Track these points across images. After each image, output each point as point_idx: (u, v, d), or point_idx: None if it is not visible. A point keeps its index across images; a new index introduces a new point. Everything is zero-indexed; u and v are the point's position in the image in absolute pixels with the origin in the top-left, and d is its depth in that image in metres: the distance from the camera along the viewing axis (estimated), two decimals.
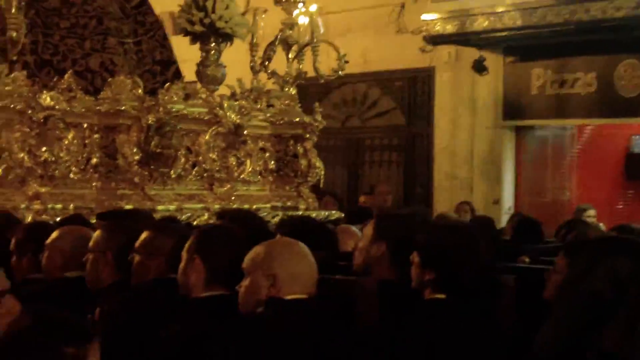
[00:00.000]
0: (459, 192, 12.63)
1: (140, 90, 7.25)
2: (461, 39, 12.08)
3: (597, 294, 2.79)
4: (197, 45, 7.93)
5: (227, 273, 3.70)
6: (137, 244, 4.16)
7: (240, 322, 3.51)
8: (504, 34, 11.53)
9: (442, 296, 3.66)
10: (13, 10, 6.52)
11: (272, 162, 8.15)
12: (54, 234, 4.68)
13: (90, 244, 4.40)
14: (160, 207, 7.11)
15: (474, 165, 12.78)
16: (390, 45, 13.26)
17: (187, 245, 3.83)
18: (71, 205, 6.88)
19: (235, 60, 8.47)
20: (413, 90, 13.42)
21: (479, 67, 12.02)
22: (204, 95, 7.67)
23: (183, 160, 7.37)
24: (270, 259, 3.46)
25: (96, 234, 4.44)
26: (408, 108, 13.49)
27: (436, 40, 12.25)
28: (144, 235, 4.17)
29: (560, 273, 4.14)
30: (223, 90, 8.31)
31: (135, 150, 7.11)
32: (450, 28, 11.87)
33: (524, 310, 3.93)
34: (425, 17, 12.03)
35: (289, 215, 6.78)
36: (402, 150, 13.61)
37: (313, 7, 7.83)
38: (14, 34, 6.56)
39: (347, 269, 4.32)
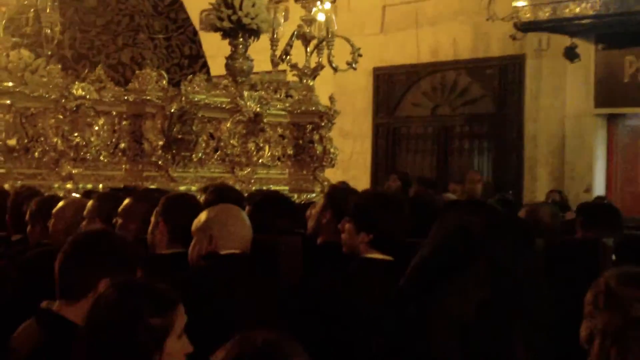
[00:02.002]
0: (550, 180, 12.59)
1: (164, 82, 7.96)
2: (552, 25, 11.87)
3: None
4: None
5: (186, 234, 4.33)
6: (119, 209, 4.83)
7: (187, 273, 4.15)
8: (596, 20, 11.32)
9: (378, 255, 4.22)
10: (47, 10, 7.27)
11: (291, 148, 8.77)
12: (59, 205, 5.38)
13: (84, 212, 5.09)
14: (182, 188, 7.79)
15: (565, 153, 12.60)
16: (481, 32, 13.20)
17: (155, 210, 4.49)
18: (100, 186, 7.60)
19: (258, 53, 9.11)
20: (503, 77, 13.18)
21: (571, 54, 11.87)
22: (227, 83, 8.34)
23: (203, 145, 8.06)
24: (208, 222, 4.09)
25: (89, 203, 5.13)
26: (498, 96, 13.25)
27: (527, 27, 12.01)
28: (124, 202, 4.85)
29: None
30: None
31: (159, 136, 7.82)
32: (541, 15, 11.67)
33: None
34: (516, 4, 11.83)
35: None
36: (492, 138, 13.38)
37: (327, 5, 8.42)
38: (48, 31, 7.32)
39: (304, 234, 4.95)
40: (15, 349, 3.00)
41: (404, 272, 4.20)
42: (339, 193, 4.93)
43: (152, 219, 4.49)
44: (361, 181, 12.96)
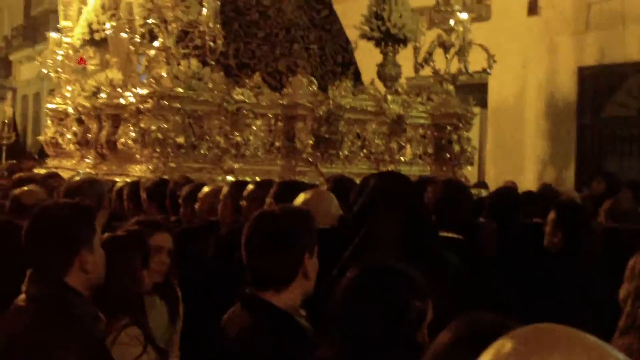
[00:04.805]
0: None
1: (314, 87, 8.94)
2: None
3: None
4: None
5: None
6: (244, 193, 5.81)
7: None
8: None
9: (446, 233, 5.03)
10: (211, 24, 8.38)
11: (431, 147, 9.57)
12: (202, 190, 6.43)
13: (220, 196, 6.11)
14: None
15: None
16: None
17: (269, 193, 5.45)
18: (257, 179, 8.63)
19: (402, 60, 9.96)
20: None
21: None
22: (371, 92, 9.25)
23: (350, 143, 8.99)
24: (304, 203, 4.98)
25: (224, 189, 6.14)
26: None
27: None
28: (248, 187, 5.83)
29: (549, 225, 5.39)
30: None
31: (309, 135, 8.81)
32: None
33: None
34: None
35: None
36: None
37: (464, 15, 9.16)
38: (212, 44, 8.42)
39: None
40: (225, 332, 3.13)
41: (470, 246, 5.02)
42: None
43: (267, 201, 5.43)
44: (565, 184, 12.94)
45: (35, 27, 34.30)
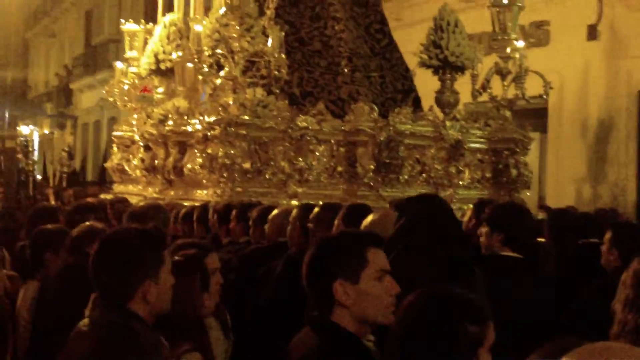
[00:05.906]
0: None
1: (375, 114, 9.24)
2: None
3: None
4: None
5: None
6: (310, 216, 6.09)
7: None
8: None
9: (510, 252, 5.27)
10: (275, 54, 8.73)
11: (489, 171, 9.81)
12: (273, 212, 6.72)
13: (290, 218, 6.39)
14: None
15: None
16: None
17: (337, 216, 5.73)
18: (320, 202, 8.92)
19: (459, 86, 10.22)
20: None
21: None
22: (430, 118, 9.54)
23: (409, 168, 9.26)
24: (371, 222, 5.27)
25: (293, 211, 6.43)
26: None
27: None
28: (315, 210, 6.11)
29: (606, 244, 5.60)
30: None
31: (371, 160, 9.10)
32: None
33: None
34: None
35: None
36: None
37: (521, 44, 9.41)
38: (277, 73, 8.76)
39: None
40: (291, 354, 3.10)
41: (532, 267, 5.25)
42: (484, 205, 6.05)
43: (336, 222, 5.72)
44: (627, 208, 13.02)
45: (96, 57, 35.09)
